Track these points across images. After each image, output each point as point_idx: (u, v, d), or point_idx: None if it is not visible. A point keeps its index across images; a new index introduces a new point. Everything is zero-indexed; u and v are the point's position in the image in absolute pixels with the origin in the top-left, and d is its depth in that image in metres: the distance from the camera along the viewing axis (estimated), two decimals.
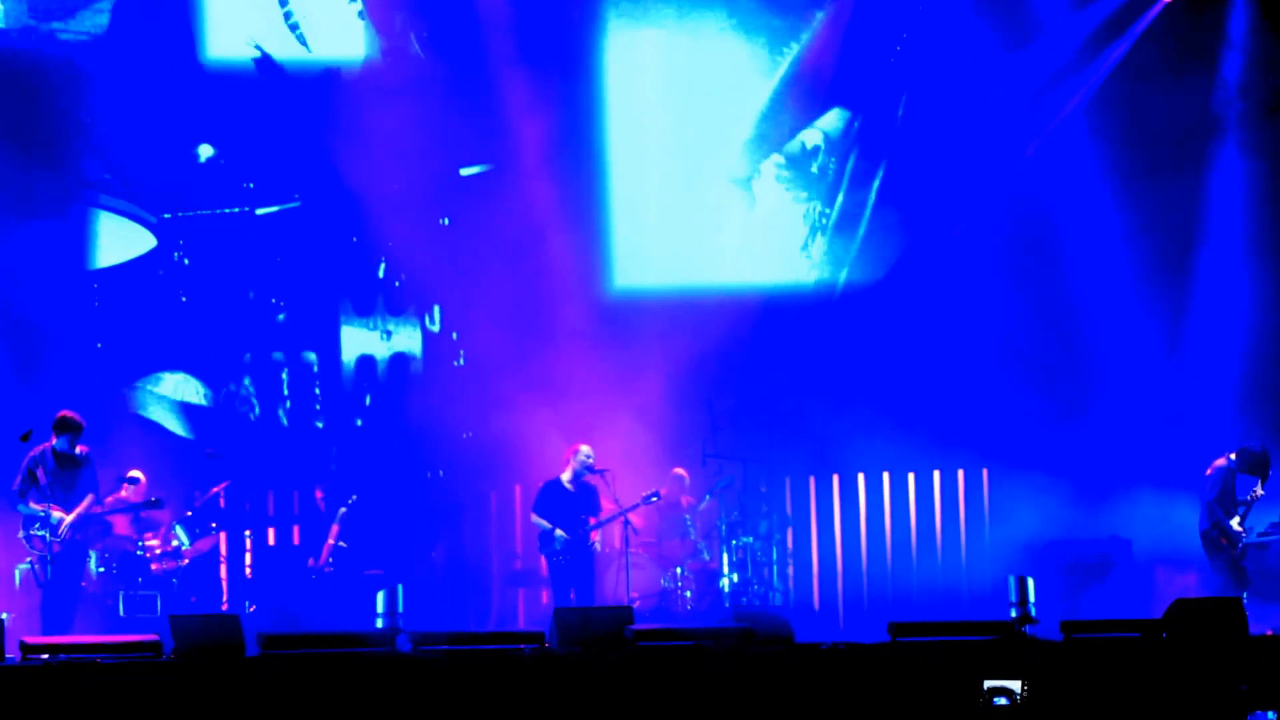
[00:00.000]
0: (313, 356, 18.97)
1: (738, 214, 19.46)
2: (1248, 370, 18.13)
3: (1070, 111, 18.94)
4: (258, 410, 18.75)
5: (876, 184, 19.39)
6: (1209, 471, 15.34)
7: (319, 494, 17.62)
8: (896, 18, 19.25)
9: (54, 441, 14.51)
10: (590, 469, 16.14)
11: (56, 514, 14.37)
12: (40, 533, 14.37)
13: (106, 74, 17.97)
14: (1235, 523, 15.04)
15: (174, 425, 18.52)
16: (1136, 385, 18.43)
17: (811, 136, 19.51)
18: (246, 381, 18.76)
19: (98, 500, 14.76)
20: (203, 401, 18.64)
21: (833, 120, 19.53)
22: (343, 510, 17.19)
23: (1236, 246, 18.53)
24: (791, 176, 19.51)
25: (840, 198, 19.44)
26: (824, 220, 19.49)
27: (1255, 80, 18.65)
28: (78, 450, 14.53)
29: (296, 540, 18.11)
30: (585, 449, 16.21)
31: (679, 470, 17.88)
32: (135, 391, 18.45)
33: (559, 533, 15.93)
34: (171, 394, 18.57)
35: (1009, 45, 18.94)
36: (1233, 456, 15.31)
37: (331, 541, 17.11)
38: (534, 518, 16.26)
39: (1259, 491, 15.14)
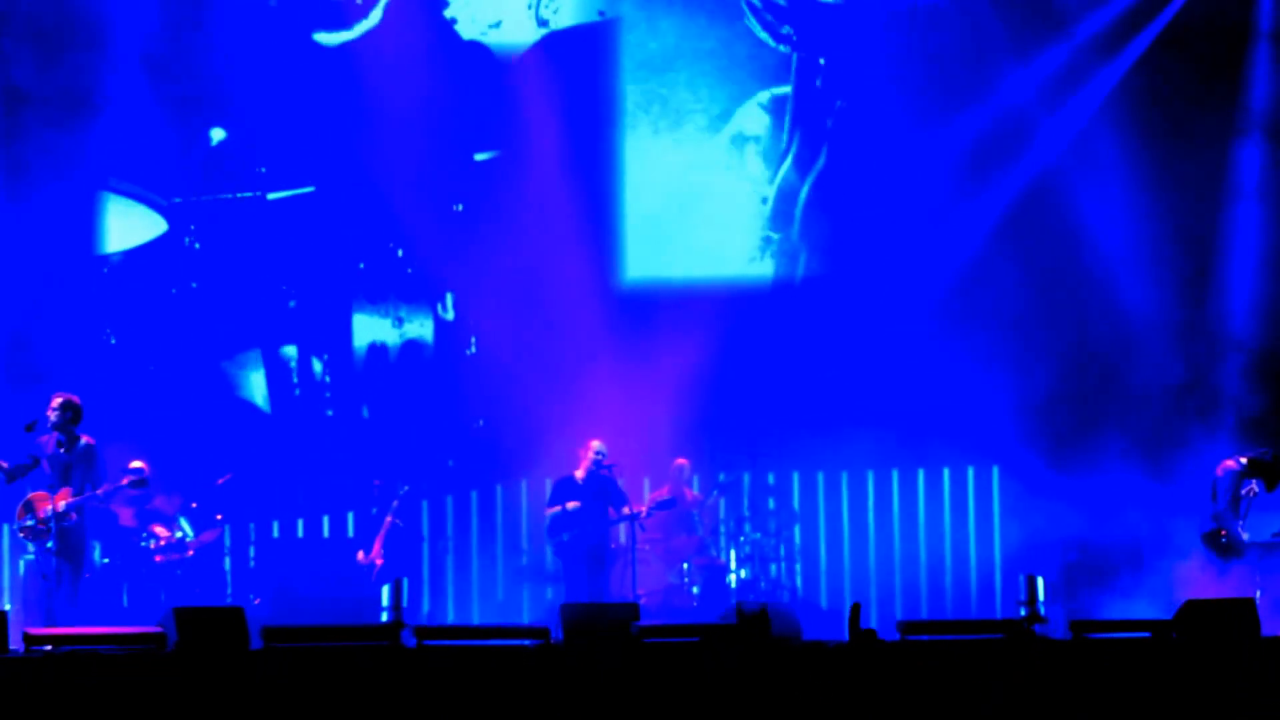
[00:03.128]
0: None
1: (744, 205, 19.36)
2: (1262, 373, 18.09)
3: (1091, 104, 18.80)
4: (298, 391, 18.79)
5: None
6: (1219, 472, 15.22)
7: (376, 484, 17.44)
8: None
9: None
10: (601, 465, 16.10)
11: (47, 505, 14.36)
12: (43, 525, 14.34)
13: (120, 54, 17.94)
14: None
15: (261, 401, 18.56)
16: (1149, 386, 18.35)
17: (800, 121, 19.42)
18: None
19: (78, 493, 14.66)
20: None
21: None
22: (395, 503, 17.10)
23: (1253, 247, 18.47)
24: (788, 167, 19.39)
25: (809, 182, 19.31)
26: (813, 209, 19.37)
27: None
28: (82, 441, 14.52)
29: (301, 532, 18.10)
30: (596, 444, 16.17)
31: (681, 461, 17.81)
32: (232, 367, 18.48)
33: (570, 504, 15.90)
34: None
35: (1025, 39, 18.85)
36: (1243, 460, 15.22)
37: (383, 534, 16.99)
38: (548, 511, 16.24)
39: (1254, 489, 15.05)
